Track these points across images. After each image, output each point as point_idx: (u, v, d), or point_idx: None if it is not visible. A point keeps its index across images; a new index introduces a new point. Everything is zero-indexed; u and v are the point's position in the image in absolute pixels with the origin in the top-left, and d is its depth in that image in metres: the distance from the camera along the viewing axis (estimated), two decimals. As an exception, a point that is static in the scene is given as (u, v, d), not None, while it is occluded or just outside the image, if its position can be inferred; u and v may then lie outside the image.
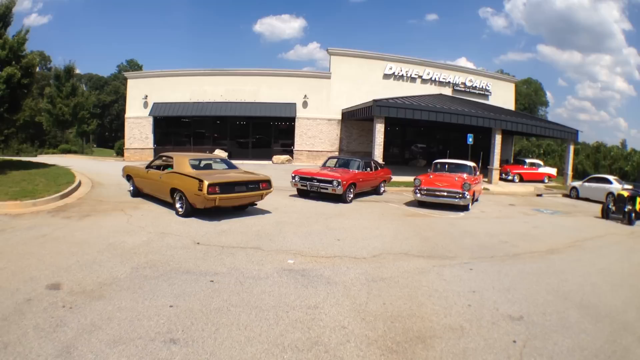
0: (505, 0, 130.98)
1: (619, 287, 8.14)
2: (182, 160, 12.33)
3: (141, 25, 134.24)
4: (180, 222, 10.95)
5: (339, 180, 15.46)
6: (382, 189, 19.54)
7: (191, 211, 11.47)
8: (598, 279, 8.57)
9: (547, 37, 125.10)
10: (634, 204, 16.74)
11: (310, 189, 16.11)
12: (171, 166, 12.70)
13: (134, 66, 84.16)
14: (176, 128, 36.17)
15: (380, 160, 23.44)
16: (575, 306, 6.83)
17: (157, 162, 13.77)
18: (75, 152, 45.99)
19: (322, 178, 15.72)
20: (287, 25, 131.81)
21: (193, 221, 11.06)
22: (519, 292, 7.27)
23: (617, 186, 21.69)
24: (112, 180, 18.02)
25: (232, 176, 12.27)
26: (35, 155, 39.03)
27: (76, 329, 4.83)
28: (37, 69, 64.82)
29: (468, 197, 15.59)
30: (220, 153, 32.70)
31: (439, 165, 18.89)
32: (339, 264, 8.16)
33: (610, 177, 24.35)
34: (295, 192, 17.02)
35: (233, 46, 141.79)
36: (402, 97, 29.18)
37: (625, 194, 17.04)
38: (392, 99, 27.35)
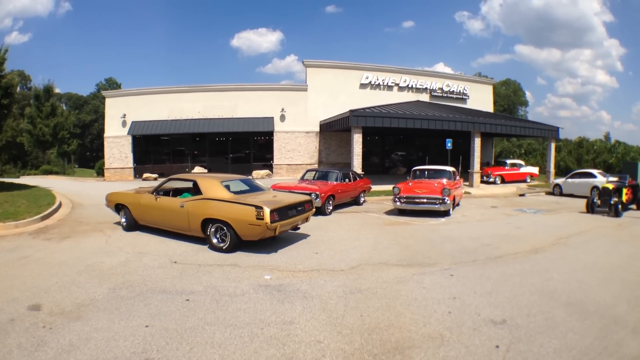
0: (482, 2, 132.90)
1: (607, 281, 7.95)
2: (213, 184, 10.48)
3: (119, 43, 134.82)
4: (158, 241, 10.69)
5: (317, 192, 15.34)
6: (362, 199, 19.32)
7: (238, 244, 9.76)
8: (585, 274, 8.36)
9: (525, 36, 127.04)
10: (620, 196, 16.73)
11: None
12: (189, 191, 11.43)
13: (112, 84, 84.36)
14: (156, 146, 36.02)
15: (359, 171, 23.44)
16: (562, 305, 6.64)
17: (167, 186, 11.90)
18: (56, 173, 45.82)
19: (300, 191, 15.18)
20: (264, 39, 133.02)
21: (171, 241, 10.67)
22: (502, 295, 7.07)
23: (601, 179, 21.77)
24: (92, 201, 18.34)
25: (284, 199, 10.56)
26: (18, 177, 39.22)
27: (56, 349, 4.94)
28: (18, 89, 65.27)
29: (448, 202, 15.37)
30: (199, 170, 32.83)
31: (418, 172, 18.71)
32: (316, 277, 7.97)
33: (594, 171, 24.35)
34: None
35: (211, 62, 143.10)
36: (379, 106, 29.17)
37: (611, 186, 16.95)
38: (369, 108, 27.26)
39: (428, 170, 18.82)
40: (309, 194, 14.58)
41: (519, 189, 26.88)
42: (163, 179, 12.28)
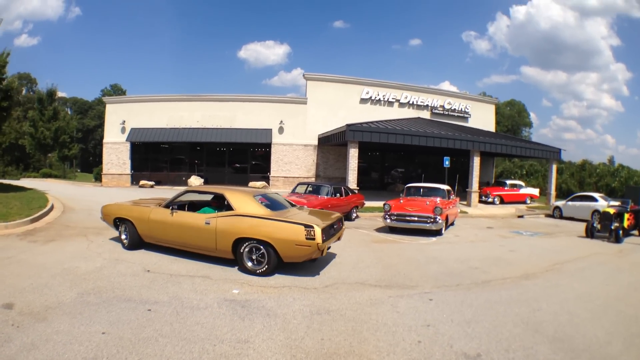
0: (489, 23, 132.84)
1: (602, 314, 7.27)
2: (247, 199, 9.42)
3: (127, 50, 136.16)
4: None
5: (306, 206, 14.57)
6: (355, 214, 18.86)
7: (276, 267, 8.77)
8: (577, 306, 7.68)
9: (531, 58, 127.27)
10: (621, 221, 16.20)
11: (278, 216, 15.19)
12: (209, 206, 10.34)
13: (117, 91, 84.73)
14: (154, 154, 35.99)
15: (354, 186, 23.21)
16: (547, 340, 6.01)
17: (182, 199, 10.44)
18: (56, 177, 46.14)
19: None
20: (271, 52, 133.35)
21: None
22: (481, 325, 6.46)
23: (602, 203, 21.22)
24: (84, 205, 18.72)
25: (324, 217, 9.81)
26: (19, 179, 40.17)
27: (19, 346, 5.08)
28: (24, 91, 65.75)
29: (440, 221, 14.86)
30: (195, 180, 32.73)
31: (412, 190, 18.27)
32: (286, 294, 7.58)
33: (596, 195, 23.90)
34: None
35: (218, 72, 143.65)
36: (377, 121, 28.89)
37: (612, 211, 16.38)
38: (366, 123, 26.98)
39: (422, 187, 18.37)
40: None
41: (518, 210, 26.35)
42: (180, 190, 10.69)
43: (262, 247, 8.64)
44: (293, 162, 34.78)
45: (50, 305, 6.41)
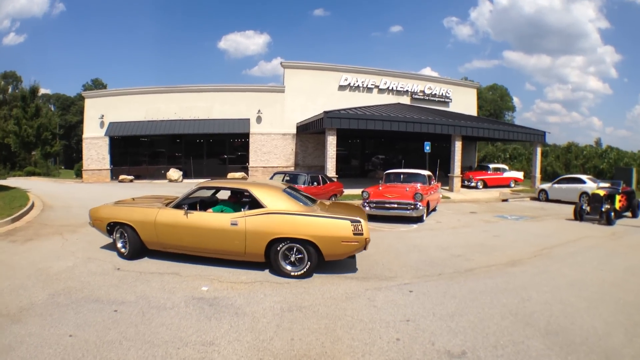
0: (471, 8, 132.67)
1: (598, 302, 6.71)
2: (277, 194, 8.47)
3: (110, 45, 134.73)
4: (110, 246, 9.59)
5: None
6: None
7: (315, 267, 7.97)
8: (570, 294, 7.11)
9: (514, 43, 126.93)
10: (612, 203, 15.86)
11: (252, 207, 14.64)
12: (226, 204, 9.29)
13: (99, 85, 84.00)
14: (133, 147, 35.41)
15: (333, 174, 22.72)
16: (540, 333, 5.51)
17: (195, 195, 9.30)
18: (39, 175, 45.92)
19: None
20: (251, 42, 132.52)
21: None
22: (466, 319, 5.98)
23: (591, 185, 20.95)
24: (62, 203, 18.42)
25: (357, 210, 9.26)
26: (6, 178, 39.77)
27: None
28: (10, 90, 65.27)
29: (421, 207, 14.33)
30: (174, 172, 32.70)
31: (392, 176, 17.76)
32: (257, 290, 7.11)
33: (584, 177, 23.58)
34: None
35: (198, 64, 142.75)
36: (356, 108, 28.47)
37: (602, 192, 16.00)
38: (344, 109, 26.38)
39: (402, 173, 17.88)
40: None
41: (502, 194, 25.89)
42: (193, 187, 9.17)
43: (301, 246, 7.85)
44: (272, 152, 34.25)
45: (24, 306, 6.28)
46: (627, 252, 10.73)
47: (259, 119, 33.98)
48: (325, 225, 7.77)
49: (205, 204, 9.44)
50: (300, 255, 7.87)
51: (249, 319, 5.90)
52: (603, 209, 15.46)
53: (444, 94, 38.56)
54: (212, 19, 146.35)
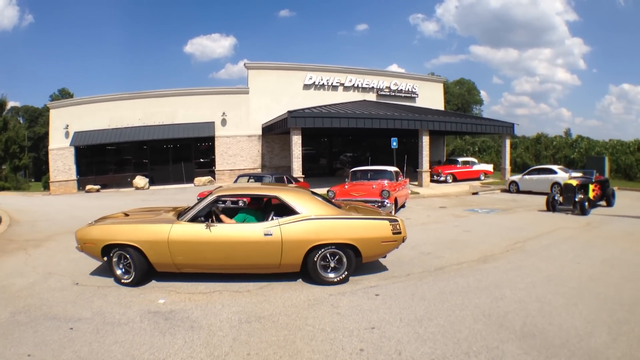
0: (437, 5, 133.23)
1: (577, 298, 6.29)
2: (310, 198, 7.99)
3: (77, 55, 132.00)
4: (70, 260, 9.23)
5: (244, 200, 13.47)
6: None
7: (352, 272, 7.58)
8: (547, 290, 6.69)
9: (481, 37, 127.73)
10: (586, 193, 15.75)
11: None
12: (247, 212, 8.39)
13: (66, 95, 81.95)
14: (100, 156, 34.55)
15: (299, 174, 22.46)
16: (515, 336, 5.12)
17: (207, 200, 7.91)
18: (9, 189, 44.42)
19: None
20: (217, 44, 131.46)
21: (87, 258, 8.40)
22: (435, 323, 5.55)
23: (563, 175, 20.74)
24: (29, 217, 17.86)
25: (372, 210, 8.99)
26: None
27: None
28: None
29: (389, 205, 13.93)
30: (140, 180, 31.96)
31: (358, 174, 17.48)
32: (215, 300, 6.66)
33: (555, 167, 23.49)
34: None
35: (165, 69, 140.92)
36: (321, 106, 28.21)
37: (574, 182, 15.77)
38: (308, 108, 26.02)
39: (368, 171, 17.60)
40: (236, 202, 13.15)
41: (472, 187, 25.76)
42: (209, 197, 7.95)
43: (340, 251, 7.40)
44: (238, 154, 33.72)
45: (-12, 325, 6.00)
46: (604, 243, 10.43)
47: (224, 122, 33.45)
48: (366, 227, 7.52)
49: (213, 214, 8.16)
50: (338, 260, 7.45)
51: (204, 332, 5.51)
52: (577, 199, 15.26)
53: (410, 90, 38.44)
54: (177, 23, 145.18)
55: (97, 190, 31.35)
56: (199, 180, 32.03)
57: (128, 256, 7.45)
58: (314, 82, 34.94)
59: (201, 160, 35.05)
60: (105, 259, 7.67)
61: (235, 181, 17.91)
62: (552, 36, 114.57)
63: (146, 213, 9.06)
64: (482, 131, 32.48)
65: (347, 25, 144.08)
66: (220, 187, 8.75)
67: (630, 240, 10.80)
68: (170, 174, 34.05)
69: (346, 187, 15.31)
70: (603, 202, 17.19)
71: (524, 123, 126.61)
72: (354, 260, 7.41)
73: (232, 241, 7.26)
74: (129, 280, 7.46)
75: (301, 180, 20.69)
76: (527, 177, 23.58)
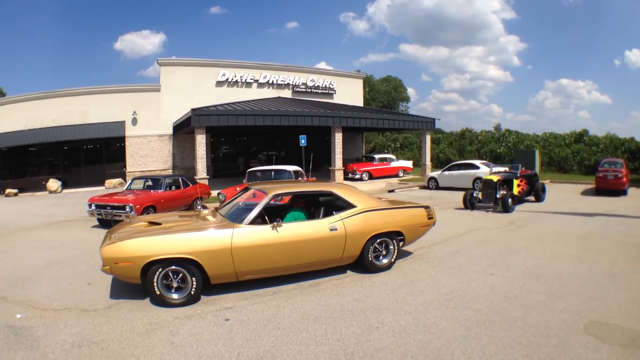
0: (368, 3, 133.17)
1: (483, 328, 5.11)
2: (359, 192, 8.43)
3: (10, 52, 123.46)
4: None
5: (132, 205, 13.32)
6: (199, 207, 16.25)
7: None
8: (442, 315, 5.54)
9: (412, 36, 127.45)
10: (510, 188, 15.22)
11: (105, 217, 13.73)
12: (296, 209, 8.52)
13: None
14: (19, 159, 31.77)
15: (203, 175, 21.45)
16: None
17: (264, 200, 7.26)
18: None
19: (115, 204, 13.58)
20: (147, 41, 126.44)
21: None
22: None
23: (485, 170, 20.20)
24: None
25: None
26: None
27: None
28: None
29: None
30: (53, 183, 29.67)
31: (257, 174, 16.62)
32: (61, 319, 5.89)
33: (477, 162, 22.93)
34: (97, 223, 14.54)
35: (95, 66, 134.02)
36: (232, 103, 27.04)
37: (495, 178, 15.16)
38: (214, 106, 24.96)
39: (265, 171, 16.91)
40: (123, 207, 13.37)
41: (389, 185, 24.94)
42: (266, 197, 7.29)
43: (388, 238, 7.98)
44: (149, 155, 32.25)
45: None
46: (529, 246, 9.38)
47: (134, 121, 31.88)
48: (410, 215, 8.43)
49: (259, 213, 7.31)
50: (385, 248, 8.01)
51: (39, 354, 4.89)
52: (498, 195, 14.64)
53: (327, 86, 37.85)
54: (108, 18, 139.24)
55: (15, 194, 29.03)
56: (109, 182, 30.38)
57: (182, 271, 6.40)
58: (227, 79, 33.82)
59: (112, 161, 33.26)
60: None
61: (130, 184, 16.52)
62: (486, 34, 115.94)
63: (183, 219, 8.17)
64: (401, 127, 32.14)
65: (277, 23, 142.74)
66: (276, 185, 8.73)
67: (562, 241, 9.74)
68: (82, 176, 32.30)
69: (238, 189, 13.93)
70: (532, 198, 16.74)
71: (452, 119, 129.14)
72: (397, 246, 8.04)
73: (300, 240, 7.09)
74: (184, 299, 6.34)
75: (205, 181, 19.83)
76: (447, 172, 23.04)
